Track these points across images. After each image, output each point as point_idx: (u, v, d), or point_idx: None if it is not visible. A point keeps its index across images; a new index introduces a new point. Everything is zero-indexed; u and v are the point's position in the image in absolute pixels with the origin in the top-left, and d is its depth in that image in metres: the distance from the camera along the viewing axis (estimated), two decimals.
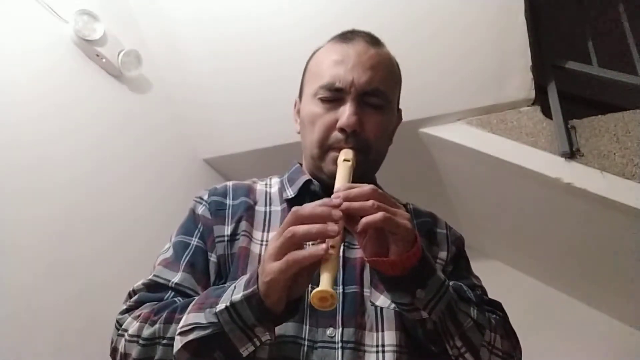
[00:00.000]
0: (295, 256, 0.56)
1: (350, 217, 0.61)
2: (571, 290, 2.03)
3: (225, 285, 0.67)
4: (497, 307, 0.79)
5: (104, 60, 1.58)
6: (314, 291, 0.54)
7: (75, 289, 1.34)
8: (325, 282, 0.55)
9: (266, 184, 0.90)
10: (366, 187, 0.62)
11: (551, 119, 1.62)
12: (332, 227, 0.57)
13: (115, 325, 0.72)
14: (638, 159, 1.47)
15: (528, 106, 1.68)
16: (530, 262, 2.14)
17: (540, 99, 1.68)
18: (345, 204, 0.60)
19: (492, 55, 1.66)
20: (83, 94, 1.53)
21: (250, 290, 0.59)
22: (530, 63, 1.63)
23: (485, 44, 1.65)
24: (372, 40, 0.84)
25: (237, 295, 0.60)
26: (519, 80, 1.66)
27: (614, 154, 1.51)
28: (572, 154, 1.54)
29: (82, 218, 1.42)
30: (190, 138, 2.00)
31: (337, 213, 0.58)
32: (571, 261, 1.90)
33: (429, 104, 1.75)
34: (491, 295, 0.83)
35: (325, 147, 0.80)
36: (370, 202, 0.60)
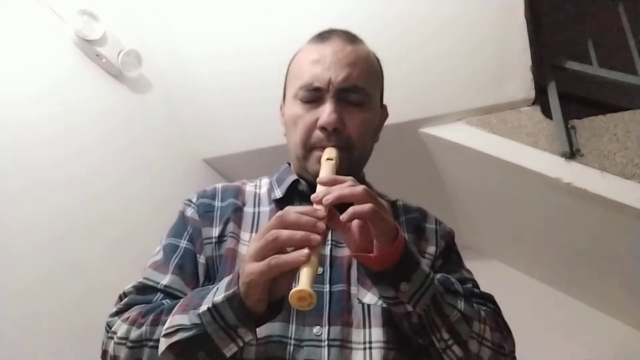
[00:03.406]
0: (277, 260, 0.56)
1: (334, 211, 0.62)
2: (571, 290, 2.03)
3: (209, 286, 0.67)
4: (488, 299, 0.79)
5: (104, 60, 1.58)
6: (292, 290, 0.54)
7: (76, 290, 1.34)
8: (303, 281, 0.55)
9: (256, 185, 0.90)
10: (347, 178, 0.64)
11: (551, 119, 1.62)
12: (315, 236, 0.57)
13: (105, 328, 0.73)
14: (638, 159, 1.47)
15: (528, 106, 1.68)
16: (530, 262, 2.14)
17: (540, 99, 1.68)
18: (337, 191, 0.61)
19: (492, 55, 1.66)
20: (83, 94, 1.52)
21: (231, 291, 0.59)
22: (530, 63, 1.63)
23: (485, 44, 1.65)
24: (349, 38, 0.84)
25: (219, 297, 0.60)
26: (519, 80, 1.66)
27: (614, 154, 1.51)
28: (572, 154, 1.54)
29: (81, 218, 1.41)
30: (190, 138, 2.00)
31: (321, 225, 0.59)
32: (571, 261, 1.91)
33: (429, 104, 1.75)
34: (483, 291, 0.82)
35: (308, 147, 0.80)
36: (361, 188, 0.61)
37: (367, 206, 0.59)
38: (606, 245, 1.68)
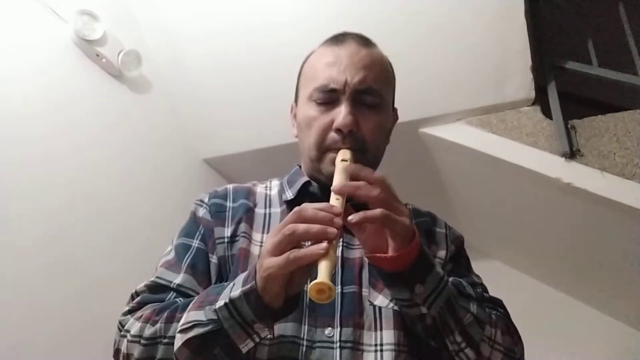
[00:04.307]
0: (296, 254, 0.56)
1: (350, 209, 0.62)
2: (571, 290, 2.03)
3: (224, 283, 0.67)
4: (498, 304, 0.80)
5: (104, 60, 1.58)
6: (312, 283, 0.55)
7: (75, 287, 1.34)
8: (322, 274, 0.55)
9: (266, 187, 0.90)
10: (377, 174, 0.64)
11: (551, 119, 1.62)
12: (332, 230, 0.58)
13: (118, 327, 0.73)
14: (638, 159, 1.47)
15: (528, 106, 1.68)
16: (530, 262, 2.14)
17: (540, 99, 1.68)
18: (354, 185, 0.61)
19: (492, 55, 1.66)
20: (83, 94, 1.53)
21: (249, 286, 0.59)
22: (530, 63, 1.64)
23: (485, 44, 1.65)
24: (364, 41, 0.85)
25: (236, 292, 0.60)
26: (519, 80, 1.66)
27: (614, 154, 1.51)
28: (572, 154, 1.54)
29: (82, 218, 1.42)
30: (190, 138, 2.00)
31: (338, 221, 0.59)
32: (571, 261, 1.90)
33: (429, 104, 1.75)
34: (491, 295, 0.83)
35: (323, 149, 0.80)
36: (377, 191, 0.61)
37: (377, 211, 0.59)
38: (606, 245, 1.68)
